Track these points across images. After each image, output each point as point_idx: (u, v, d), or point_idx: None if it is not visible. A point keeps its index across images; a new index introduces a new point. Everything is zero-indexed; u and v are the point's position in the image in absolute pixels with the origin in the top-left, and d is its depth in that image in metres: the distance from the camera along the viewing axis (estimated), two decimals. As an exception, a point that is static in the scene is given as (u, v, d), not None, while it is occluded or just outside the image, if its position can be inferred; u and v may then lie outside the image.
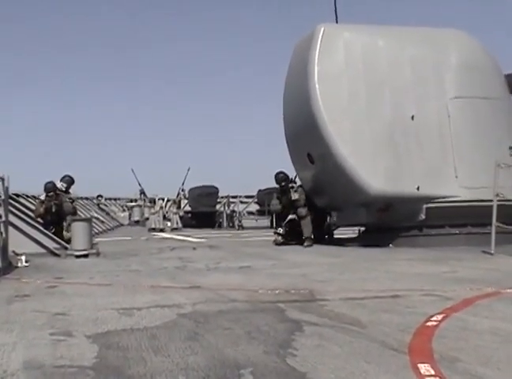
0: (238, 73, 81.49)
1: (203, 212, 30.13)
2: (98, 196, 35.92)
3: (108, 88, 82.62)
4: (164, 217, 27.86)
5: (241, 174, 62.33)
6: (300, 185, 14.35)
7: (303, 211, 13.93)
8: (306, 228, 13.85)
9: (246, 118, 79.88)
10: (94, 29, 78.49)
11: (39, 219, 13.55)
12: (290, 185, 14.21)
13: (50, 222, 13.74)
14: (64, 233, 13.48)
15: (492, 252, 10.69)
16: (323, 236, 14.65)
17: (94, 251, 11.89)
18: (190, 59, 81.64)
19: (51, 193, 13.90)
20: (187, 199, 32.38)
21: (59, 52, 77.02)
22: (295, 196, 13.95)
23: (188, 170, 35.61)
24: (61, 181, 14.79)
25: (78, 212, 15.68)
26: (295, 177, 14.36)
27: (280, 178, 14.26)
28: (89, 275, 8.68)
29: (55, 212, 13.87)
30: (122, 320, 5.08)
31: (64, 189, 14.76)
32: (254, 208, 31.70)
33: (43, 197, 14.07)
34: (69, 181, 15.05)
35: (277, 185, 14.43)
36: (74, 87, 79.26)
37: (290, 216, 14.13)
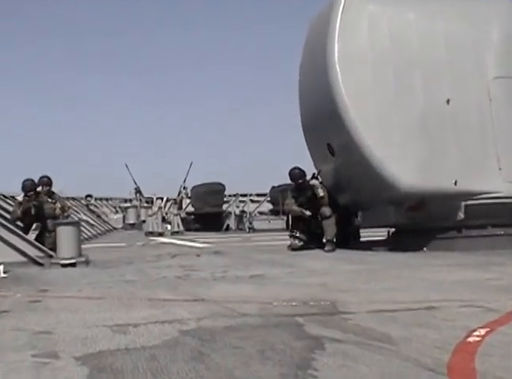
0: (250, 56, 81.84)
1: (208, 213, 30.21)
2: (87, 196, 36.05)
3: (101, 77, 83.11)
4: (164, 219, 27.95)
5: (251, 170, 62.42)
6: (321, 182, 14.31)
7: (326, 210, 13.86)
8: (330, 230, 13.80)
9: (257, 108, 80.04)
10: (87, 23, 79.34)
11: (18, 223, 13.53)
12: (312, 181, 14.11)
13: (30, 226, 13.68)
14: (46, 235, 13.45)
15: (542, 255, 10.65)
16: (347, 239, 14.63)
17: (83, 259, 11.90)
18: (193, 50, 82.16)
19: (31, 193, 13.81)
20: (190, 198, 32.45)
21: (51, 45, 77.75)
22: (320, 192, 13.86)
23: (190, 165, 35.66)
24: (38, 185, 14.59)
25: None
26: (319, 172, 14.28)
27: (296, 174, 14.18)
28: (77, 287, 8.68)
29: (35, 215, 13.81)
30: (115, 338, 5.07)
31: (46, 192, 14.66)
32: (267, 207, 31.77)
33: (20, 198, 14.00)
34: (47, 181, 14.82)
35: (292, 182, 14.39)
36: (63, 78, 79.79)
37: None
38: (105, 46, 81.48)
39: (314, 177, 14.30)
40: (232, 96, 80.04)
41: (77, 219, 16.58)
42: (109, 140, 76.40)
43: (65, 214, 14.68)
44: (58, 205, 14.44)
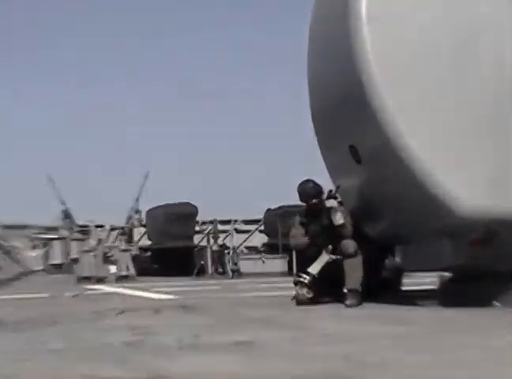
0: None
1: (172, 248, 30.24)
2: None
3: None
4: (106, 258, 27.95)
5: (236, 187, 62.87)
6: (340, 202, 14.31)
7: (349, 245, 13.85)
8: (354, 274, 13.79)
9: (242, 102, 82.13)
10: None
11: None
12: (328, 203, 14.10)
13: None
14: None
15: None
16: (379, 288, 14.68)
17: (-16, 318, 11.86)
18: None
19: None
20: (145, 226, 32.46)
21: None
22: (338, 219, 13.84)
23: (146, 177, 35.72)
24: None
25: None
26: (337, 188, 14.27)
27: (309, 189, 14.19)
28: (-24, 359, 8.63)
29: None
30: None
31: None
32: (260, 240, 31.82)
33: None
34: None
35: (303, 202, 14.39)
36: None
37: (324, 256, 14.05)
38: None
39: (330, 195, 14.29)
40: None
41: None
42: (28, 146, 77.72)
43: None
44: None
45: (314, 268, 14.01)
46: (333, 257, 13.95)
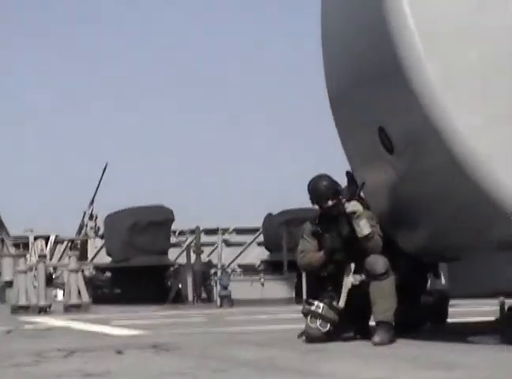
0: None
1: (140, 267, 30.25)
2: None
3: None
4: (50, 280, 27.91)
5: (226, 186, 63.66)
6: (366, 206, 14.20)
7: (379, 262, 13.74)
8: (383, 302, 13.71)
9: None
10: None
11: None
12: (350, 205, 13.95)
13: None
14: None
15: None
16: (418, 320, 14.64)
17: None
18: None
19: None
20: (102, 238, 32.47)
21: None
22: (363, 227, 13.71)
23: (105, 169, 35.70)
24: None
25: None
26: (361, 187, 14.17)
27: (324, 188, 14.10)
28: None
29: None
30: None
31: None
32: (258, 256, 31.84)
33: None
34: None
35: (314, 205, 14.34)
36: None
37: (350, 278, 13.92)
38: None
39: (351, 196, 14.20)
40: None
41: None
42: None
43: None
44: None
45: (341, 300, 13.88)
46: (358, 277, 13.81)
